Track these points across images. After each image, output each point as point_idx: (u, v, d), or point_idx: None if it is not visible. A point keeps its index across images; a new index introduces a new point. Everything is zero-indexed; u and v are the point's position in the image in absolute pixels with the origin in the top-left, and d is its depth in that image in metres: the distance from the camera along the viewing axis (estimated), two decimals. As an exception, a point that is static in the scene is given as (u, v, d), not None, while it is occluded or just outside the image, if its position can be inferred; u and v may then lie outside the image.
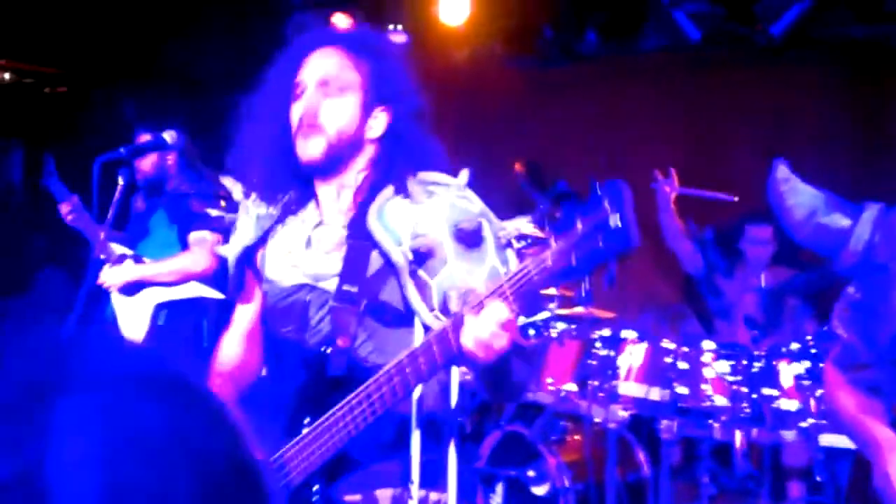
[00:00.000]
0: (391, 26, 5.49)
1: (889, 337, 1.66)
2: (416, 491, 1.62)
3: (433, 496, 1.70)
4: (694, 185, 4.46)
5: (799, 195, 1.88)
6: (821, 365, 3.42)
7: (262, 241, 1.82)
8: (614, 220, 1.39)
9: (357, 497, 1.69)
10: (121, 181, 3.29)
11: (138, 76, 5.18)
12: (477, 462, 3.74)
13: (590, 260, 1.41)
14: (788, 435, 3.34)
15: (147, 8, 5.11)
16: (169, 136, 3.46)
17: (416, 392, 1.61)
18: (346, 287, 1.70)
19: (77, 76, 5.76)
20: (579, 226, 1.41)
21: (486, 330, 1.45)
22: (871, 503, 1.64)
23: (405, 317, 1.68)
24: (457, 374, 1.74)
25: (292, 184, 1.78)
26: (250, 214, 1.82)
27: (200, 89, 5.13)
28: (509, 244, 1.54)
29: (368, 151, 1.76)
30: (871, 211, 1.73)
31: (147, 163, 3.68)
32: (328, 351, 1.68)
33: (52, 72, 5.83)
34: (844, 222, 1.81)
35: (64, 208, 3.73)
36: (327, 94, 1.72)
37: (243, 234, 1.82)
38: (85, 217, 3.71)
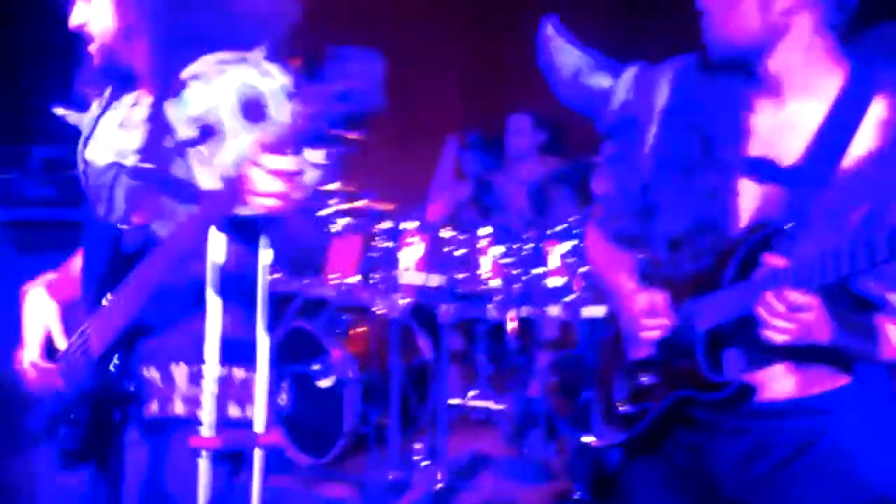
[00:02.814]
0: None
1: (638, 187, 1.73)
2: (212, 367, 1.53)
3: (238, 373, 1.66)
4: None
5: (565, 55, 1.90)
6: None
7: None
8: (354, 81, 1.34)
9: (153, 369, 1.68)
10: None
11: None
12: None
13: (331, 121, 1.38)
14: (554, 310, 3.54)
15: None
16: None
17: (216, 260, 1.53)
18: (142, 164, 1.72)
19: None
20: (320, 88, 1.37)
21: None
22: (620, 355, 1.74)
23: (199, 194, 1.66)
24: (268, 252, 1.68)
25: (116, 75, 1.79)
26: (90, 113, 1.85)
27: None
28: None
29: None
30: (629, 71, 1.78)
31: None
32: (125, 227, 1.71)
33: None
34: (606, 82, 1.85)
35: None
36: None
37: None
38: None
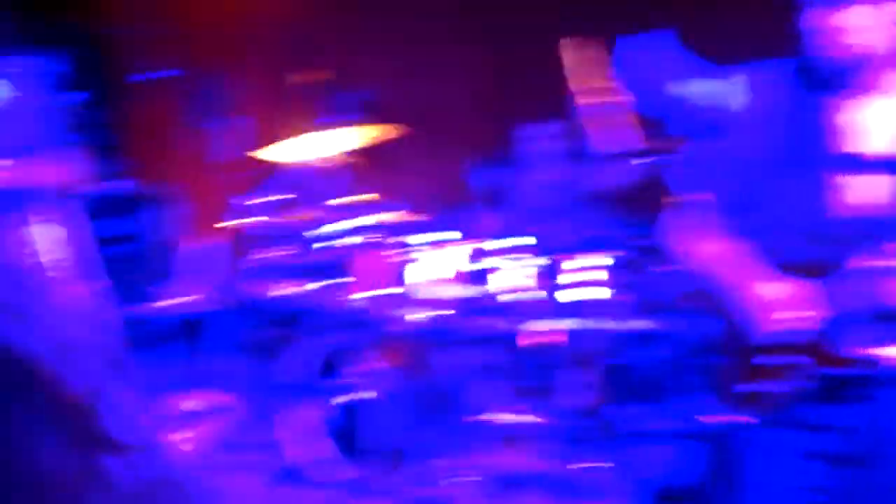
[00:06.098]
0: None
1: (737, 184, 1.82)
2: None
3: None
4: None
5: (650, 64, 1.99)
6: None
7: None
8: None
9: None
10: None
11: None
12: (289, 376, 3.68)
13: None
14: (594, 323, 3.48)
15: None
16: None
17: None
18: None
19: None
20: None
21: None
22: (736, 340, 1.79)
23: None
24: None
25: None
26: None
27: None
28: None
29: None
30: (727, 78, 1.87)
31: None
32: None
33: None
34: (697, 87, 1.94)
35: None
36: None
37: None
38: None
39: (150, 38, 5.79)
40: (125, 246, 5.09)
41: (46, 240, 2.73)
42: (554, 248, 3.69)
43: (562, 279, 3.64)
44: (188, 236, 5.32)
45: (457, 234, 3.88)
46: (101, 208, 3.42)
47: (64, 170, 2.89)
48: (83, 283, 2.50)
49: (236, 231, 4.41)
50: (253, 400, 4.02)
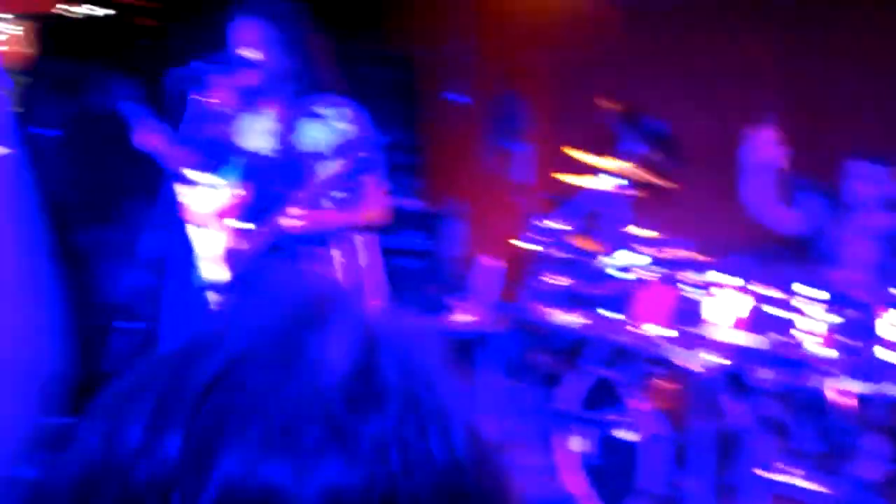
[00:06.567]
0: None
1: None
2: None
3: None
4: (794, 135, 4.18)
5: None
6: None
7: None
8: None
9: None
10: (194, 97, 3.23)
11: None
12: (560, 404, 3.65)
13: None
14: (875, 386, 3.14)
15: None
16: (252, 53, 3.34)
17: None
18: None
19: (166, 9, 5.76)
20: None
21: None
22: None
23: None
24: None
25: None
26: None
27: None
28: None
29: None
30: None
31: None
32: None
33: (141, 4, 5.83)
34: None
35: (141, 131, 3.63)
36: None
37: None
38: (164, 140, 3.62)
39: (455, 61, 6.05)
40: (417, 260, 5.35)
41: (347, 264, 2.95)
42: (862, 301, 3.38)
43: (867, 337, 3.32)
44: (477, 255, 5.49)
45: (745, 278, 3.66)
46: (398, 222, 3.60)
47: (372, 204, 3.08)
48: (372, 301, 2.65)
49: (524, 253, 4.48)
50: (519, 423, 4.05)
